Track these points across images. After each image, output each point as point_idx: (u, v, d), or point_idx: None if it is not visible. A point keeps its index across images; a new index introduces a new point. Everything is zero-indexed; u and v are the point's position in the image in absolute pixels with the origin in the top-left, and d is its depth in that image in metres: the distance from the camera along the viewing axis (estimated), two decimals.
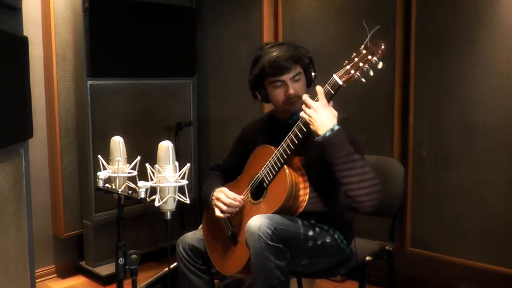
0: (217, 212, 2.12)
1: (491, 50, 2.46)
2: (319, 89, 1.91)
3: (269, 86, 2.08)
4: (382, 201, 2.23)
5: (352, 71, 1.85)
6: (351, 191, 1.89)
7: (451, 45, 2.59)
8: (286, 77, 2.02)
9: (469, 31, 2.52)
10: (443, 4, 2.60)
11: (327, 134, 1.85)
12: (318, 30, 3.07)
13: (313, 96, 1.91)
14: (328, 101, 1.89)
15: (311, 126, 1.89)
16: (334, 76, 1.88)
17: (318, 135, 1.87)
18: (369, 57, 1.83)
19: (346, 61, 1.88)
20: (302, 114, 1.92)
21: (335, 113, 1.90)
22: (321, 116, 1.87)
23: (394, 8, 2.75)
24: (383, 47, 1.82)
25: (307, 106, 1.90)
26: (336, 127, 1.87)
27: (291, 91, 2.02)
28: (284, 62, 1.99)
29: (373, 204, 1.90)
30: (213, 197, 2.16)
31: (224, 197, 2.11)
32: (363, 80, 1.86)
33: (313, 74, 2.09)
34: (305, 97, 1.92)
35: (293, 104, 2.06)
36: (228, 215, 2.13)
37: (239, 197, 2.11)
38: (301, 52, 2.07)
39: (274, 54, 2.02)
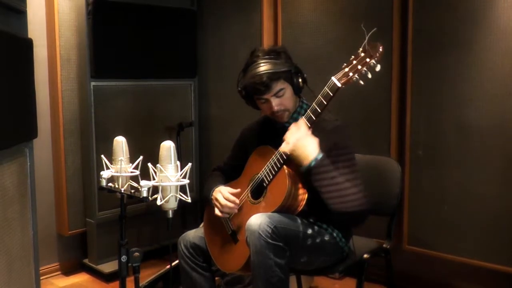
0: (217, 211, 2.16)
1: (487, 52, 2.48)
2: (301, 121, 1.96)
3: (256, 100, 2.12)
4: (379, 200, 2.27)
5: (351, 74, 1.86)
6: (337, 209, 1.93)
7: (447, 47, 2.60)
8: (268, 96, 2.04)
9: (465, 34, 2.54)
10: (440, 7, 2.61)
11: (312, 164, 1.91)
12: (317, 33, 3.09)
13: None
14: (327, 103, 1.91)
15: (294, 155, 1.94)
16: (333, 78, 1.90)
17: (303, 165, 1.93)
18: (367, 60, 1.84)
19: (345, 64, 1.89)
20: (282, 147, 1.97)
21: (316, 140, 1.95)
22: (304, 145, 1.93)
23: (391, 10, 2.76)
24: (381, 49, 1.83)
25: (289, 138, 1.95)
26: (320, 156, 1.91)
27: (275, 108, 2.05)
28: (261, 86, 2.00)
29: (358, 216, 1.98)
30: (212, 197, 2.19)
31: (221, 197, 2.14)
32: (362, 82, 1.88)
33: (300, 81, 2.07)
34: (292, 127, 1.97)
35: (281, 117, 2.10)
36: (227, 215, 2.16)
37: (233, 198, 2.13)
38: (283, 66, 2.04)
39: (254, 72, 2.02)
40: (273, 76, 2.00)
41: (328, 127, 2.06)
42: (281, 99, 2.05)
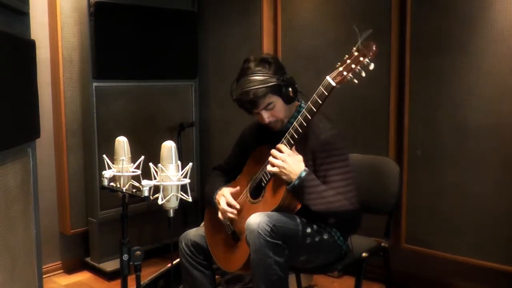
0: (220, 215, 2.19)
1: (484, 53, 2.50)
2: (280, 145, 2.01)
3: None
4: (378, 199, 2.30)
5: (345, 73, 1.87)
6: (325, 215, 2.02)
7: (445, 49, 2.62)
8: (258, 110, 2.07)
9: (462, 35, 2.56)
10: (437, 9, 2.63)
11: (296, 183, 1.96)
12: (316, 34, 3.11)
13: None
14: (323, 102, 1.93)
15: (282, 177, 1.98)
16: (327, 77, 1.91)
17: (290, 183, 1.97)
18: (361, 58, 1.85)
19: (339, 63, 1.90)
20: (269, 168, 2.01)
21: (300, 157, 2.00)
22: (289, 165, 1.97)
23: (389, 12, 2.78)
24: (374, 48, 1.84)
25: (275, 157, 1.99)
26: (303, 174, 1.96)
27: (266, 120, 2.09)
28: (248, 104, 2.04)
29: (350, 220, 2.06)
30: (216, 200, 2.22)
31: (223, 203, 2.17)
32: (356, 81, 1.88)
33: (290, 90, 2.06)
34: (273, 151, 2.01)
35: (273, 127, 2.13)
36: (231, 216, 2.17)
37: (234, 203, 2.16)
38: (271, 79, 2.03)
39: (242, 88, 2.04)
40: (259, 93, 2.02)
41: (323, 135, 2.07)
42: (271, 111, 2.08)
